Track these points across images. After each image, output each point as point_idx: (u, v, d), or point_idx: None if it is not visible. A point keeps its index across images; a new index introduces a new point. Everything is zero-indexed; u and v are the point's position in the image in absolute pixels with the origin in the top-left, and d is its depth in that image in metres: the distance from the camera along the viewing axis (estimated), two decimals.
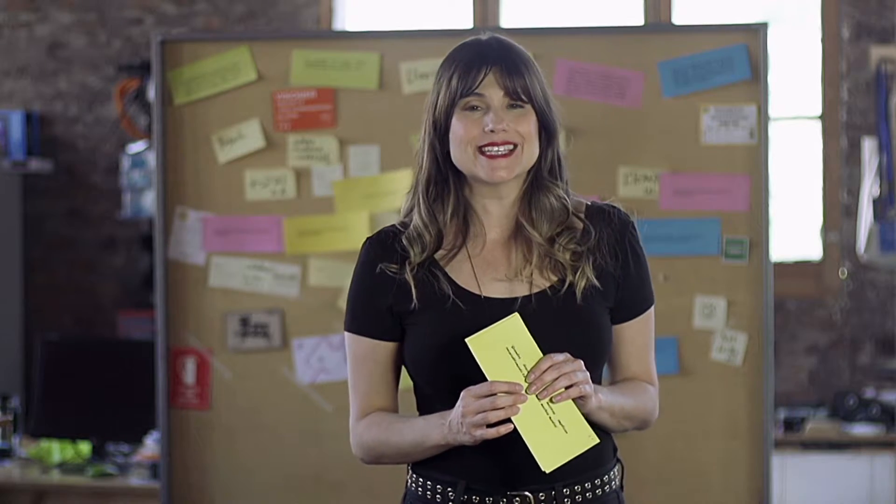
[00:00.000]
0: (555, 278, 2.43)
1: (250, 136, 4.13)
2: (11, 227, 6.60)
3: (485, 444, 2.31)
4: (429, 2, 6.80)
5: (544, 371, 2.29)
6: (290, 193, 4.12)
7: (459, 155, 2.40)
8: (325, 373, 4.11)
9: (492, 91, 2.37)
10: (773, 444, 4.25)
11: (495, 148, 2.38)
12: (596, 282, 2.42)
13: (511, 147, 2.38)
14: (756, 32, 3.97)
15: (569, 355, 2.32)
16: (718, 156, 4.00)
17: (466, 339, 2.30)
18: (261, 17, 6.66)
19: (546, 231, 2.43)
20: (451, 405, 2.33)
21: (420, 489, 2.47)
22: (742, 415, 3.99)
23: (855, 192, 6.16)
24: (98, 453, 5.08)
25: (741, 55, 3.98)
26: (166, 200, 4.16)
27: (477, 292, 2.43)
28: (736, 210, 4.00)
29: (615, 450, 2.52)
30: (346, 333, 2.50)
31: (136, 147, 6.50)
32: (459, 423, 2.31)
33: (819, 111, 6.44)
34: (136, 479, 4.87)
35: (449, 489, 2.43)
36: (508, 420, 2.28)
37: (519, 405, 2.27)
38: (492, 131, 2.37)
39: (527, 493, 2.40)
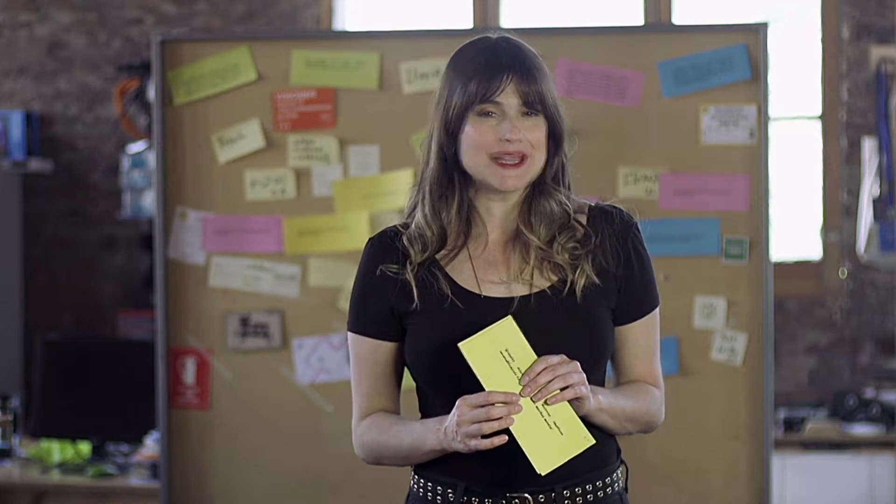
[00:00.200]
0: (555, 278, 2.43)
1: (250, 136, 4.13)
2: (11, 227, 6.60)
3: None
4: (429, 2, 6.80)
5: (539, 373, 2.29)
6: (290, 193, 4.12)
7: (471, 160, 2.40)
8: (325, 373, 4.11)
9: (509, 99, 2.37)
10: (773, 444, 4.25)
11: (508, 157, 2.38)
12: (596, 279, 2.42)
13: (522, 157, 2.38)
14: (756, 32, 3.97)
15: (564, 357, 2.31)
16: (718, 156, 4.00)
17: (459, 345, 2.30)
18: (261, 17, 6.67)
19: (544, 235, 2.43)
20: (450, 405, 2.33)
21: (421, 490, 2.47)
22: (742, 415, 3.99)
23: (855, 192, 6.16)
24: (98, 453, 5.08)
25: (741, 55, 3.98)
26: (166, 200, 4.16)
27: (477, 292, 2.43)
28: (736, 210, 4.00)
29: (619, 451, 2.51)
30: (349, 333, 2.51)
31: (136, 147, 6.50)
32: (454, 431, 2.31)
33: (819, 111, 6.44)
34: (136, 479, 4.87)
35: (449, 491, 2.43)
36: (503, 431, 2.27)
37: (514, 416, 2.27)
38: (507, 141, 2.37)
39: (526, 495, 2.40)
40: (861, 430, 5.84)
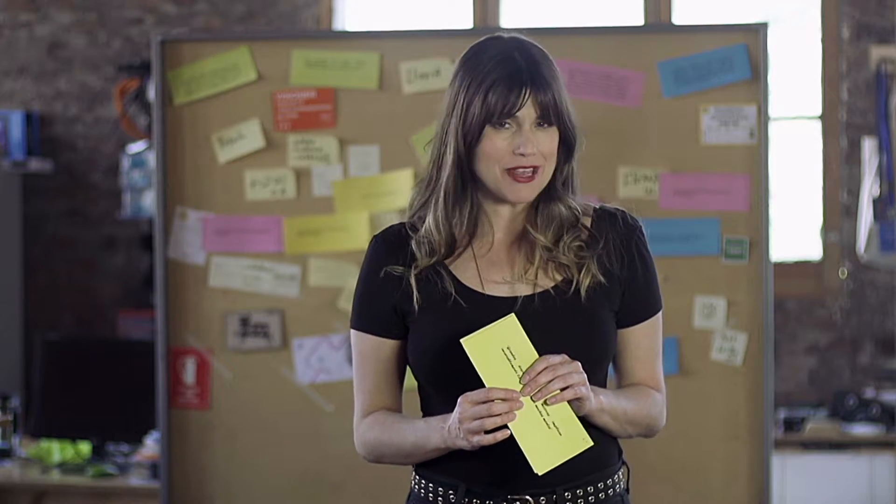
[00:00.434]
0: (559, 278, 2.43)
1: (250, 136, 4.13)
2: (11, 227, 6.60)
3: (486, 447, 2.31)
4: (429, 2, 6.80)
5: (539, 373, 2.29)
6: (290, 193, 4.12)
7: (485, 170, 2.40)
8: (325, 373, 4.11)
9: (527, 111, 2.37)
10: (773, 444, 4.25)
11: (522, 170, 2.38)
12: (602, 278, 2.42)
13: (534, 169, 2.39)
14: (756, 32, 3.97)
15: (566, 357, 2.32)
16: (718, 156, 4.00)
17: (461, 340, 2.30)
18: (261, 17, 6.67)
19: (551, 236, 2.43)
20: (452, 404, 2.33)
21: (422, 491, 2.47)
22: (742, 415, 3.99)
23: (855, 192, 6.16)
24: (98, 453, 5.08)
25: (741, 55, 3.98)
26: (166, 200, 4.16)
27: (480, 291, 2.43)
28: (736, 210, 4.00)
29: (620, 452, 2.51)
30: (352, 331, 2.51)
31: (136, 147, 6.50)
32: (457, 428, 2.31)
33: (819, 111, 6.44)
34: (136, 479, 4.87)
35: (450, 492, 2.43)
36: (505, 426, 2.27)
37: (515, 412, 2.27)
38: (522, 154, 2.37)
39: (527, 496, 2.40)
40: (861, 430, 5.84)
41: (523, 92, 2.36)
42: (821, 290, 6.39)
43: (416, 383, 2.50)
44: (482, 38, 2.46)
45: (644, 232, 2.51)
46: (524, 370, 2.30)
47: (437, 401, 2.43)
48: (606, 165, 3.99)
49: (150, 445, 4.96)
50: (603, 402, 2.37)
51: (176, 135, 4.15)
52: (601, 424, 2.40)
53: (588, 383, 2.33)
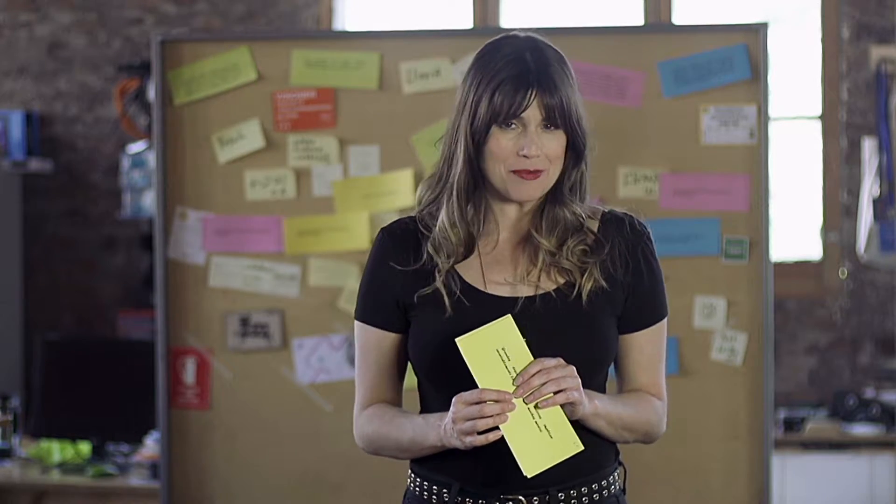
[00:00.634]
0: (562, 281, 2.43)
1: (250, 136, 4.13)
2: (11, 227, 6.60)
3: (480, 447, 2.31)
4: (429, 2, 6.80)
5: (533, 375, 2.29)
6: (290, 193, 4.12)
7: (491, 170, 2.40)
8: (325, 373, 4.11)
9: (532, 112, 2.37)
10: (773, 444, 4.25)
11: (527, 172, 2.38)
12: (604, 283, 2.42)
13: (539, 170, 2.39)
14: (756, 32, 3.97)
15: (561, 360, 2.31)
16: (718, 156, 4.00)
17: (456, 339, 2.30)
18: (261, 17, 6.67)
19: (554, 242, 2.43)
20: (449, 401, 2.34)
21: (417, 489, 2.47)
22: (742, 415, 3.99)
23: (855, 192, 6.16)
24: (98, 453, 5.08)
25: (741, 55, 3.98)
26: (166, 200, 4.16)
27: (482, 289, 2.43)
28: (736, 210, 4.00)
29: (617, 454, 2.51)
30: (356, 322, 2.52)
31: (136, 147, 6.50)
32: (451, 428, 2.31)
33: (819, 111, 6.44)
34: (136, 479, 4.87)
35: (444, 490, 2.43)
36: (497, 427, 2.28)
37: (507, 413, 2.27)
38: (525, 157, 2.37)
39: (520, 497, 2.40)
40: (861, 430, 5.84)
41: (529, 93, 2.36)
42: (821, 290, 6.39)
43: (415, 382, 2.50)
44: (499, 36, 2.45)
45: (651, 238, 2.50)
46: (518, 372, 2.30)
47: (435, 398, 2.43)
48: (606, 165, 3.99)
49: (150, 445, 4.96)
50: (598, 406, 2.37)
51: (176, 135, 4.15)
52: (595, 429, 2.40)
53: (582, 388, 2.33)
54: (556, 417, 2.29)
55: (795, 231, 6.48)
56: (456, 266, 2.45)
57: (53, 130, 6.79)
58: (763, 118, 3.97)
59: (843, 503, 5.78)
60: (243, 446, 4.13)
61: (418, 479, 2.47)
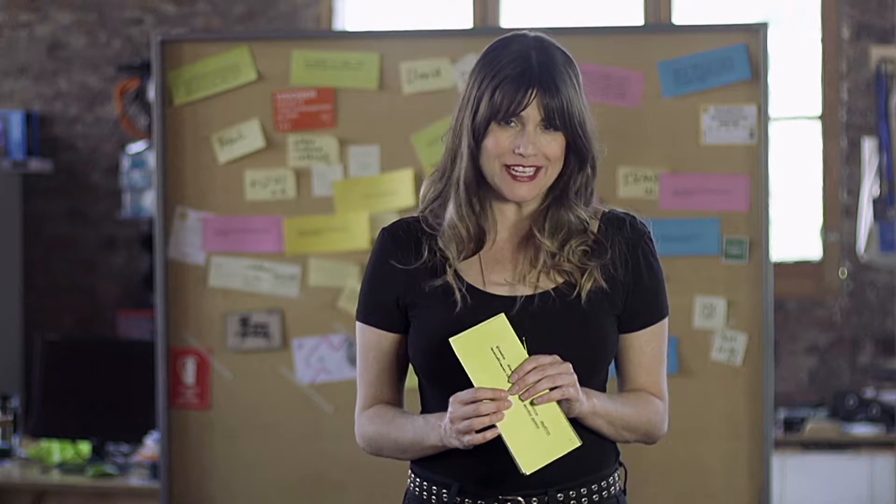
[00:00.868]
0: (561, 280, 2.43)
1: (250, 136, 4.13)
2: (11, 227, 6.60)
3: (480, 447, 2.31)
4: (429, 2, 6.80)
5: (528, 372, 2.29)
6: (290, 193, 4.13)
7: (488, 166, 2.41)
8: (325, 373, 4.11)
9: (531, 112, 2.37)
10: (773, 444, 4.25)
11: (521, 169, 2.38)
12: (603, 283, 2.42)
13: (536, 169, 2.39)
14: (756, 32, 3.97)
15: (556, 357, 2.31)
16: (718, 156, 4.00)
17: (450, 339, 2.30)
18: (261, 17, 6.67)
19: (556, 244, 2.43)
20: (448, 401, 2.34)
21: (417, 489, 2.48)
22: (742, 415, 3.99)
23: (855, 192, 6.16)
24: (98, 453, 5.08)
25: (741, 55, 3.98)
26: (166, 200, 4.16)
27: (481, 289, 2.43)
28: (736, 210, 4.00)
29: (617, 454, 2.50)
30: (357, 323, 2.52)
31: (136, 147, 6.50)
32: (449, 428, 2.31)
33: (819, 111, 6.44)
34: (136, 479, 4.87)
35: (443, 491, 2.43)
36: (494, 425, 2.28)
37: (504, 411, 2.27)
38: (521, 154, 2.37)
39: (519, 497, 2.40)
40: (861, 430, 5.84)
41: (529, 92, 2.36)
42: (821, 290, 6.39)
43: (416, 383, 2.50)
44: (508, 35, 2.45)
45: (652, 238, 2.50)
46: (513, 370, 2.30)
47: (435, 398, 2.43)
48: (606, 165, 3.94)
49: (150, 445, 4.96)
50: (596, 405, 2.37)
51: (176, 135, 4.16)
52: (595, 427, 2.39)
53: (578, 384, 2.32)
54: (552, 414, 2.29)
55: (795, 231, 6.48)
56: (456, 266, 2.45)
57: (53, 130, 6.79)
58: (763, 118, 3.97)
59: (843, 503, 5.78)
60: (243, 446, 4.13)
61: (418, 480, 2.48)
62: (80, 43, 6.78)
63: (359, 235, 4.07)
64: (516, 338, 2.31)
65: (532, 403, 2.29)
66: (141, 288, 6.62)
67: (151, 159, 6.06)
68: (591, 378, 2.40)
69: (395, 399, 2.52)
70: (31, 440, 5.24)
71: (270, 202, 4.13)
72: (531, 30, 2.47)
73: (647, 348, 2.49)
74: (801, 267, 6.42)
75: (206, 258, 4.16)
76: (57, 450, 5.09)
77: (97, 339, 6.44)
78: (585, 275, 2.42)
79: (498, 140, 2.38)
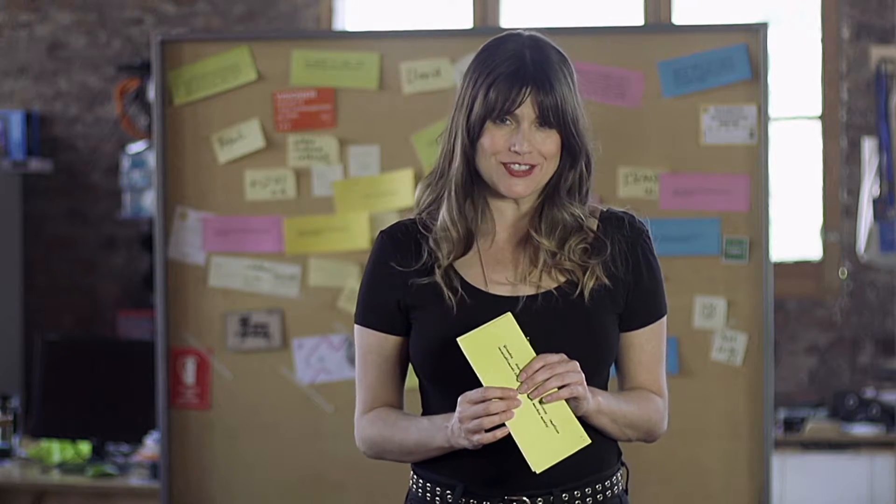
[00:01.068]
0: (563, 279, 2.43)
1: (250, 136, 4.13)
2: (11, 227, 6.60)
3: (484, 447, 2.31)
4: (429, 2, 6.80)
5: (536, 371, 2.29)
6: (290, 193, 4.13)
7: (484, 164, 2.41)
8: (325, 373, 4.11)
9: (525, 109, 2.37)
10: (773, 444, 4.25)
11: (517, 166, 2.38)
12: (606, 280, 2.42)
13: (532, 166, 2.39)
14: (756, 32, 3.97)
15: (564, 356, 2.32)
16: (718, 156, 4.00)
17: (458, 339, 2.31)
18: (261, 17, 6.67)
19: (555, 243, 2.43)
20: (452, 402, 2.33)
21: (420, 490, 2.47)
22: (742, 415, 3.99)
23: (855, 192, 6.16)
24: (98, 453, 5.08)
25: (741, 55, 3.98)
26: (166, 200, 4.16)
27: (483, 289, 2.43)
28: (736, 210, 4.00)
29: (619, 454, 2.51)
30: (356, 326, 2.51)
31: (136, 147, 6.50)
32: (458, 428, 2.31)
33: (819, 111, 6.44)
34: (136, 479, 4.87)
35: (448, 492, 2.43)
36: (504, 424, 2.28)
37: (513, 410, 2.27)
38: (517, 152, 2.37)
39: (524, 497, 2.40)
40: (861, 430, 5.84)
41: (523, 90, 2.36)
42: (821, 290, 6.39)
43: (416, 383, 2.50)
44: (502, 34, 2.45)
45: (651, 236, 2.51)
46: (521, 368, 2.30)
47: (437, 399, 2.43)
48: (606, 165, 3.97)
49: (150, 445, 4.96)
50: (601, 403, 2.37)
51: (176, 135, 4.16)
52: (599, 426, 2.40)
53: (586, 383, 2.33)
54: (561, 412, 2.30)
55: (795, 231, 6.48)
56: (457, 266, 2.44)
57: (53, 130, 6.79)
58: (763, 118, 3.97)
59: (843, 503, 5.78)
60: (243, 446, 4.13)
61: (421, 481, 2.47)
62: (80, 43, 6.78)
63: (359, 235, 4.07)
64: (523, 337, 2.32)
65: (541, 402, 2.29)
66: (141, 288, 6.62)
67: (151, 159, 6.06)
68: (594, 376, 2.40)
69: (396, 401, 2.52)
70: (31, 440, 5.24)
71: (270, 202, 4.13)
72: (526, 29, 2.48)
73: (647, 347, 2.49)
74: (801, 267, 6.42)
75: (206, 258, 4.16)
76: (57, 450, 5.09)
77: (97, 339, 6.44)
78: (587, 273, 2.42)
79: (493, 138, 2.38)
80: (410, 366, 2.50)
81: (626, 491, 2.51)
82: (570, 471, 2.35)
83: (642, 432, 2.49)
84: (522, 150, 2.37)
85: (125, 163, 6.51)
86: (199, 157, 4.15)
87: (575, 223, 2.43)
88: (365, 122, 4.10)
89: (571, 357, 2.32)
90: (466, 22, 6.65)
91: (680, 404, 3.90)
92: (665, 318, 2.52)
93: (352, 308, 3.82)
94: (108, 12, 6.76)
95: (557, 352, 2.32)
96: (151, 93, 5.60)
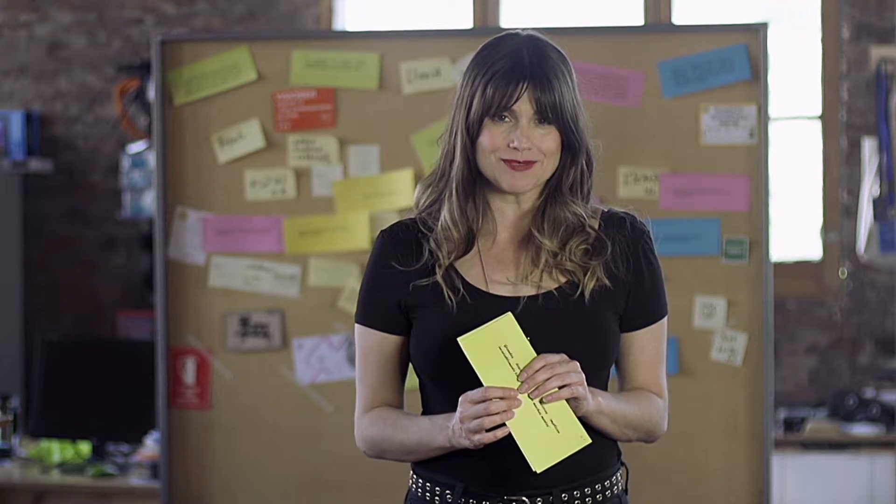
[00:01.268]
0: (563, 280, 2.43)
1: (250, 136, 4.13)
2: (11, 227, 6.60)
3: (484, 447, 2.31)
4: (429, 2, 6.80)
5: (537, 371, 2.29)
6: (290, 193, 4.13)
7: (484, 161, 2.41)
8: (325, 373, 4.11)
9: (523, 106, 2.37)
10: (773, 444, 4.26)
11: (517, 164, 2.39)
12: (606, 281, 2.42)
13: (532, 163, 2.39)
14: (756, 32, 3.98)
15: (564, 356, 2.32)
16: (718, 156, 4.00)
17: (458, 339, 2.31)
18: (261, 17, 6.67)
19: (556, 243, 2.43)
20: (453, 402, 2.34)
21: (420, 490, 2.47)
22: (742, 415, 3.99)
23: (855, 192, 6.16)
24: (98, 453, 5.08)
25: (741, 55, 3.98)
26: (166, 200, 4.16)
27: (484, 289, 2.43)
28: (736, 210, 4.00)
29: (619, 454, 2.51)
30: (356, 325, 2.51)
31: (136, 147, 6.50)
32: (459, 428, 2.31)
33: (819, 111, 6.44)
34: (136, 479, 4.87)
35: (447, 492, 2.43)
36: (504, 423, 2.28)
37: (514, 409, 2.27)
38: (516, 149, 2.37)
39: (524, 497, 2.40)
40: (861, 430, 5.84)
41: (520, 86, 2.37)
42: (821, 290, 6.39)
43: (416, 383, 2.50)
44: (500, 34, 2.46)
45: (652, 237, 2.51)
46: (522, 368, 2.30)
47: (438, 399, 2.43)
48: (606, 165, 3.95)
49: (150, 445, 4.96)
50: (602, 403, 2.37)
51: (176, 135, 4.16)
52: (600, 426, 2.40)
53: (586, 383, 2.33)
54: (562, 412, 2.30)
55: (795, 231, 6.48)
56: (458, 266, 2.45)
57: (53, 130, 6.79)
58: (763, 118, 3.97)
59: (843, 503, 5.78)
60: (243, 446, 4.13)
61: (421, 481, 2.47)
62: (80, 43, 6.78)
63: (359, 235, 4.07)
64: (524, 336, 2.32)
65: (541, 402, 2.29)
66: (141, 288, 6.61)
67: (151, 159, 6.06)
68: (595, 377, 2.40)
69: (397, 401, 2.52)
70: (31, 440, 5.24)
71: (270, 202, 4.13)
72: (524, 29, 2.48)
73: (647, 347, 2.49)
74: (801, 267, 6.42)
75: (206, 258, 4.16)
76: (57, 450, 5.10)
77: (97, 339, 6.44)
78: (588, 273, 2.42)
79: (492, 135, 2.38)
80: (411, 366, 2.51)
81: (625, 491, 2.51)
82: (570, 471, 2.36)
83: (642, 433, 2.49)
84: (521, 146, 2.37)
85: (125, 163, 6.51)
86: (199, 157, 4.15)
87: (577, 222, 2.43)
88: (365, 122, 4.10)
89: (572, 357, 2.33)
90: (466, 22, 6.65)
91: (680, 404, 3.90)
92: (666, 318, 2.52)
93: (352, 308, 3.83)
94: (108, 12, 6.76)
95: (558, 352, 2.33)
96: (151, 93, 5.60)
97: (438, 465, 2.43)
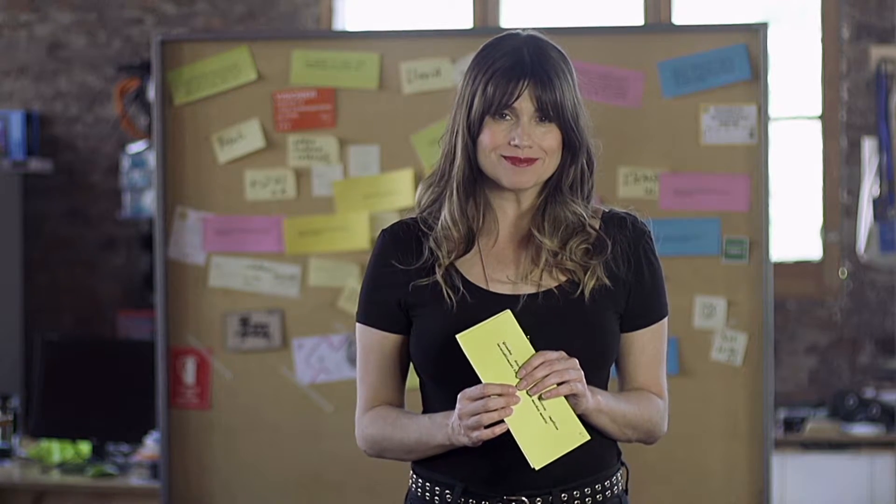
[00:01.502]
0: (564, 279, 2.43)
1: (250, 136, 4.13)
2: (11, 227, 6.60)
3: (484, 446, 2.31)
4: (429, 2, 6.80)
5: (536, 367, 2.29)
6: (290, 193, 4.13)
7: (485, 159, 2.41)
8: (325, 373, 4.11)
9: (524, 104, 2.38)
10: (773, 444, 4.26)
11: (518, 159, 2.39)
12: (606, 280, 2.42)
13: (533, 160, 2.39)
14: (756, 32, 3.98)
15: (563, 353, 2.32)
16: (718, 156, 4.00)
17: (457, 336, 2.31)
18: (261, 17, 6.67)
19: (557, 242, 2.43)
20: (453, 400, 2.34)
21: (420, 490, 2.47)
22: (742, 415, 3.99)
23: (855, 192, 6.16)
24: (98, 453, 5.08)
25: (741, 55, 3.98)
26: (166, 200, 4.16)
27: (485, 288, 2.43)
28: (736, 210, 4.00)
29: (619, 454, 2.51)
30: (357, 324, 2.52)
31: (136, 147, 6.50)
32: (458, 425, 2.31)
33: (819, 111, 6.44)
34: (136, 479, 4.87)
35: (447, 491, 2.43)
36: (503, 420, 2.28)
37: (512, 406, 2.27)
38: (517, 146, 2.38)
39: (523, 497, 2.40)
40: (861, 430, 5.84)
41: (521, 83, 2.37)
42: (821, 290, 6.39)
43: (417, 383, 2.50)
44: (501, 34, 2.46)
45: (652, 237, 2.51)
46: (520, 365, 2.30)
47: (438, 397, 2.43)
48: (606, 165, 3.95)
49: (150, 445, 4.96)
50: (601, 402, 2.37)
51: (176, 135, 4.16)
52: (599, 425, 2.40)
53: (585, 381, 2.33)
54: (560, 409, 2.30)
55: (795, 231, 6.48)
56: (458, 265, 2.45)
57: (53, 130, 6.79)
58: (763, 118, 3.97)
59: (843, 503, 5.78)
60: (243, 446, 4.14)
61: (420, 480, 2.47)
62: (80, 43, 6.78)
63: (359, 235, 4.07)
64: (522, 334, 2.32)
65: (540, 399, 2.29)
66: (141, 288, 6.61)
67: (151, 159, 6.06)
68: (595, 376, 2.40)
69: (397, 400, 2.52)
70: (31, 440, 5.24)
71: (270, 202, 4.13)
72: (525, 29, 2.48)
73: (648, 347, 2.49)
74: (801, 267, 6.42)
75: (206, 258, 4.16)
76: (57, 450, 5.10)
77: (97, 339, 6.44)
78: (588, 273, 2.42)
79: (493, 133, 2.38)
80: (412, 365, 2.51)
81: (626, 491, 2.51)
82: (570, 470, 2.36)
83: (642, 433, 2.49)
84: (522, 143, 2.37)
85: (125, 163, 6.51)
86: (199, 157, 4.15)
87: (577, 222, 2.44)
88: (365, 122, 4.10)
89: (571, 356, 2.33)
90: (466, 22, 6.65)
91: (680, 404, 3.90)
92: (666, 319, 2.52)
93: (352, 308, 3.84)
94: (108, 12, 6.76)
95: (558, 350, 2.32)
96: (151, 93, 5.60)
97: (438, 465, 2.43)
